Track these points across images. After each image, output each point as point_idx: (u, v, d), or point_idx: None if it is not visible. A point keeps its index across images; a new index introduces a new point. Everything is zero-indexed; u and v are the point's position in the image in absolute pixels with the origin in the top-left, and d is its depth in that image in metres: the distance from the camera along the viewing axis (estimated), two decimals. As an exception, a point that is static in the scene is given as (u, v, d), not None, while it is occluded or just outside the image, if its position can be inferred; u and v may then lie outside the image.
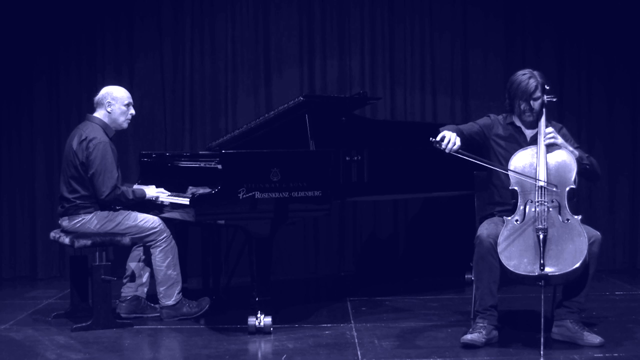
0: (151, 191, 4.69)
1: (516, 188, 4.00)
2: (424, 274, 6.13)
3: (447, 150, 3.89)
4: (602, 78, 6.35)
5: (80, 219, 4.60)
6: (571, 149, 4.07)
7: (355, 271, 6.36)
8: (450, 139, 3.89)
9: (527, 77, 4.09)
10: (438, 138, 3.90)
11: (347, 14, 6.31)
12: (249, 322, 4.28)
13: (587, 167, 4.09)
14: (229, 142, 5.20)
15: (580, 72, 6.36)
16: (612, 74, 6.35)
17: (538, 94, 4.08)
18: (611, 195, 6.36)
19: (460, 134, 4.01)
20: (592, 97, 6.37)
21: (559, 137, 4.06)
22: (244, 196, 4.17)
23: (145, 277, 4.81)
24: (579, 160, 4.04)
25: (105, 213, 4.62)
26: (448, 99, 6.36)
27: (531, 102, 4.09)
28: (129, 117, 4.78)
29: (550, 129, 4.07)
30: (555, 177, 3.97)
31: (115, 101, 4.71)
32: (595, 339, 3.95)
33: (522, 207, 3.96)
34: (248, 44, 6.27)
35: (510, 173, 4.00)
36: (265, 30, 6.29)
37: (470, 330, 4.02)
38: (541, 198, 3.90)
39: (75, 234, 4.58)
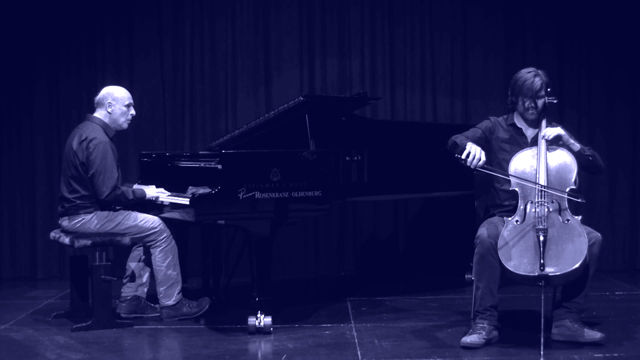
0: (151, 191, 4.69)
1: (516, 189, 4.00)
2: (424, 274, 6.13)
3: (472, 166, 3.91)
4: (602, 76, 6.34)
5: (80, 219, 4.60)
6: (572, 140, 4.07)
7: (355, 271, 6.36)
8: (475, 154, 3.90)
9: (533, 75, 4.11)
10: (463, 156, 3.90)
11: (347, 14, 6.31)
12: (249, 322, 4.28)
13: (590, 158, 4.09)
14: (229, 142, 5.20)
15: (580, 71, 6.35)
16: (611, 72, 6.34)
17: (543, 92, 4.11)
18: (611, 195, 6.35)
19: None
20: (592, 95, 6.36)
21: (558, 129, 4.05)
22: (244, 196, 4.17)
23: (145, 277, 4.81)
24: (581, 152, 4.04)
25: (105, 213, 4.62)
26: (448, 99, 6.36)
27: (536, 100, 4.11)
28: (129, 117, 4.78)
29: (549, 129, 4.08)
30: (555, 179, 3.98)
31: (115, 101, 4.71)
32: (595, 334, 3.95)
33: (522, 208, 3.97)
34: (248, 44, 6.27)
35: (548, 190, 3.92)
36: (265, 30, 6.29)
37: (470, 330, 4.02)
38: (541, 199, 3.91)
39: (75, 234, 4.58)
